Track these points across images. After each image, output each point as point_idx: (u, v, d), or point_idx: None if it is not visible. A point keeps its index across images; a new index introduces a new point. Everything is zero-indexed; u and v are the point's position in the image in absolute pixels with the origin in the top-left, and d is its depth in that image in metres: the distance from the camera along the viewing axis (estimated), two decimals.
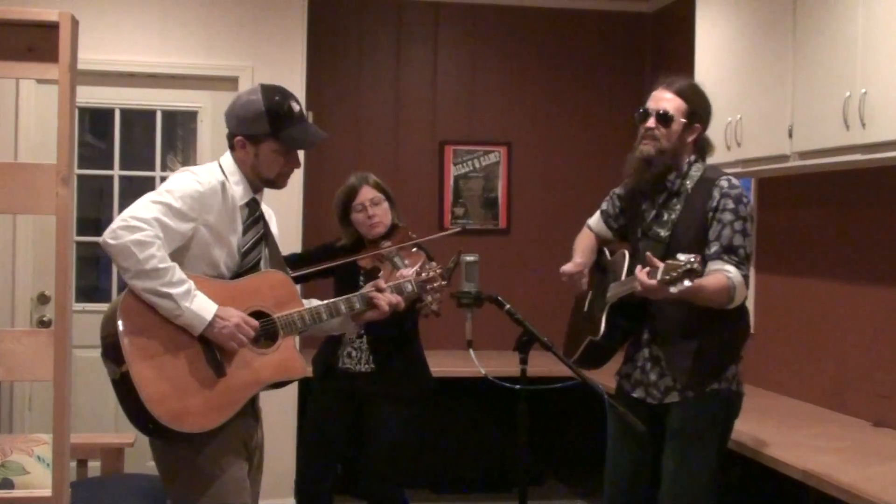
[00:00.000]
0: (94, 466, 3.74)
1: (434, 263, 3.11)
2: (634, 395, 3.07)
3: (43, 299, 4.81)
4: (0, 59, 2.18)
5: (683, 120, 2.97)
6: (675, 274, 2.57)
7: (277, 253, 2.82)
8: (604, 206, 3.32)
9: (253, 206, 2.72)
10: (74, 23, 2.17)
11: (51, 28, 2.14)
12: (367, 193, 3.67)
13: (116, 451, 3.69)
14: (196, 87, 4.96)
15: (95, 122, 5.17)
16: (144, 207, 2.49)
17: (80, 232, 4.81)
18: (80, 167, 4.79)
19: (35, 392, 4.74)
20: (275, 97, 2.67)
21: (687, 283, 2.56)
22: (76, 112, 2.33)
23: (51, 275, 2.23)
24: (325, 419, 3.78)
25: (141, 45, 4.83)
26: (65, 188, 2.17)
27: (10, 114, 4.74)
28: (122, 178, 4.94)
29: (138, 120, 5.09)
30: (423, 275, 3.02)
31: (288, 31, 4.95)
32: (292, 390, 4.82)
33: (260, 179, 2.72)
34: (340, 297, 2.84)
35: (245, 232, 2.68)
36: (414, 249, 3.58)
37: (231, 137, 2.71)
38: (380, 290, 2.87)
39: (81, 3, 4.37)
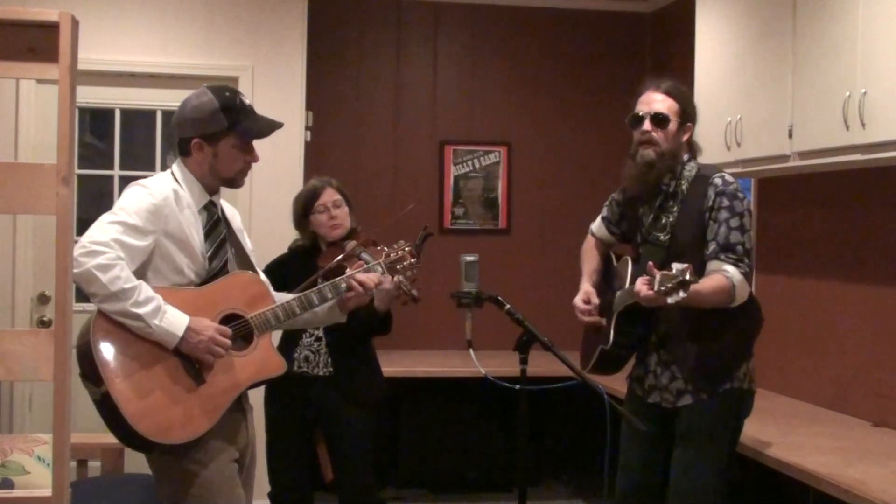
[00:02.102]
0: (94, 466, 3.74)
1: (402, 242, 3.03)
2: (649, 400, 3.04)
3: (43, 299, 4.81)
4: (0, 59, 2.17)
5: (678, 120, 2.96)
6: (669, 285, 2.54)
7: (244, 252, 2.80)
8: (604, 212, 3.30)
9: (211, 210, 2.71)
10: (74, 23, 2.16)
11: (51, 28, 2.14)
12: (329, 195, 3.66)
13: (116, 451, 3.68)
14: (196, 87, 4.92)
15: (95, 122, 5.17)
16: (101, 230, 2.48)
17: (80, 232, 4.73)
18: (80, 167, 4.80)
19: (35, 392, 4.73)
20: (225, 93, 2.69)
21: (682, 293, 2.53)
22: (76, 112, 2.33)
23: (51, 275, 2.23)
24: (287, 428, 3.70)
25: (141, 45, 4.83)
26: (65, 188, 2.16)
27: (10, 114, 4.74)
28: (122, 178, 4.94)
29: (138, 120, 5.09)
30: (392, 255, 2.94)
31: (288, 31, 4.95)
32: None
33: (219, 180, 2.70)
34: (312, 289, 2.80)
35: (207, 236, 2.66)
36: (379, 247, 3.56)
37: (185, 142, 2.68)
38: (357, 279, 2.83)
39: (81, 3, 4.38)
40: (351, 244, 3.55)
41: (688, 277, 2.52)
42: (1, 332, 2.30)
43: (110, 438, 3.73)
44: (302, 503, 3.77)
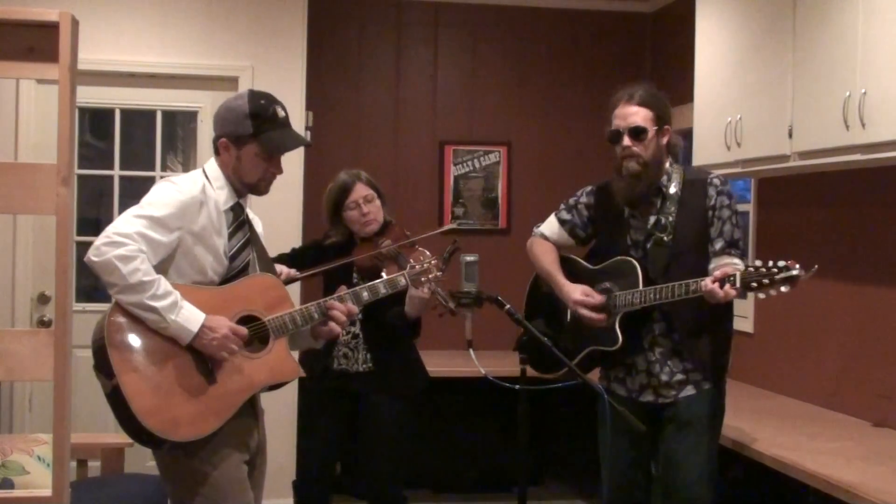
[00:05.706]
0: (94, 466, 3.74)
1: (428, 254, 3.06)
2: (641, 399, 3.06)
3: (43, 299, 4.81)
4: (0, 59, 2.17)
5: (654, 127, 3.01)
6: (766, 281, 2.65)
7: (265, 256, 2.82)
8: (566, 216, 3.29)
9: (237, 211, 2.72)
10: (74, 23, 2.17)
11: (51, 28, 2.14)
12: (360, 191, 3.62)
13: (116, 451, 3.69)
14: (196, 87, 4.97)
15: (95, 122, 5.17)
16: (127, 222, 2.49)
17: (80, 232, 4.81)
18: (80, 167, 4.79)
19: (35, 392, 4.73)
20: (260, 101, 2.69)
21: (784, 288, 2.65)
22: (76, 112, 2.33)
23: (51, 275, 2.23)
24: (321, 420, 3.75)
25: (141, 45, 4.83)
26: (65, 188, 2.16)
27: (10, 114, 4.74)
28: (122, 178, 4.94)
29: (138, 120, 5.09)
30: (417, 267, 2.95)
31: (288, 31, 4.95)
32: (291, 390, 4.82)
33: (242, 184, 2.71)
34: (332, 296, 2.80)
35: (231, 236, 2.67)
36: (418, 248, 3.56)
37: (216, 140, 2.71)
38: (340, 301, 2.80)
39: (81, 3, 4.37)
40: (386, 243, 3.53)
41: (798, 273, 2.63)
42: (1, 332, 2.30)
43: (110, 438, 3.75)
44: (321, 497, 3.80)
